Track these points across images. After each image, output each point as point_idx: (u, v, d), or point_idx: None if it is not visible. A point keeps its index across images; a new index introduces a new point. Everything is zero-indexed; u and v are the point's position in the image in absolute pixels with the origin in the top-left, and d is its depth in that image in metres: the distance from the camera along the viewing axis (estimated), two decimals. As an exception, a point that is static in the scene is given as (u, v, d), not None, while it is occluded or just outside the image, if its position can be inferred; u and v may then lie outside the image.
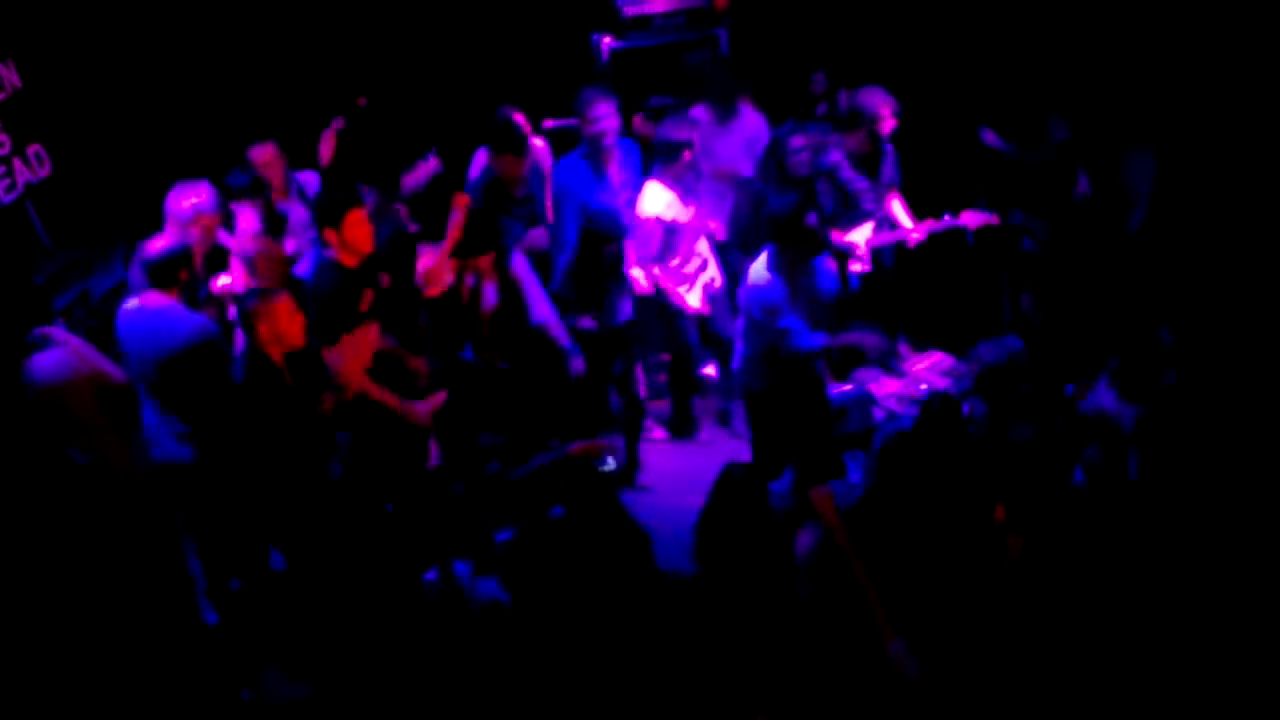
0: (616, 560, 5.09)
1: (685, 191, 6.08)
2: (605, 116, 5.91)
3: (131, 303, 4.87)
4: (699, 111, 6.64)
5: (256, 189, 5.76)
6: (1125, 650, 4.15)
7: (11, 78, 6.01)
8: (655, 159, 6.10)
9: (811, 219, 5.15)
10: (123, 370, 4.77)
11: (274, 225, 5.77)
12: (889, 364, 6.78)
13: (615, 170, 6.10)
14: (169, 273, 4.75)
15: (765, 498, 4.75)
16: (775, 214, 5.18)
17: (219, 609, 5.18)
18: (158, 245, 4.79)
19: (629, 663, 4.54)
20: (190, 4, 7.01)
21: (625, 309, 6.06)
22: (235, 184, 5.69)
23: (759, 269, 5.25)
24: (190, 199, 5.17)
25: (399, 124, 7.06)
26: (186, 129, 6.85)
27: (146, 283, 4.80)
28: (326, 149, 5.84)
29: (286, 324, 4.61)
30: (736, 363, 5.58)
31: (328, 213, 4.94)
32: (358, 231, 4.94)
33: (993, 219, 6.22)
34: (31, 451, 4.35)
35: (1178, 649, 4.05)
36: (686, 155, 5.99)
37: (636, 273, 6.00)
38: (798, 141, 6.14)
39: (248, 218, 5.70)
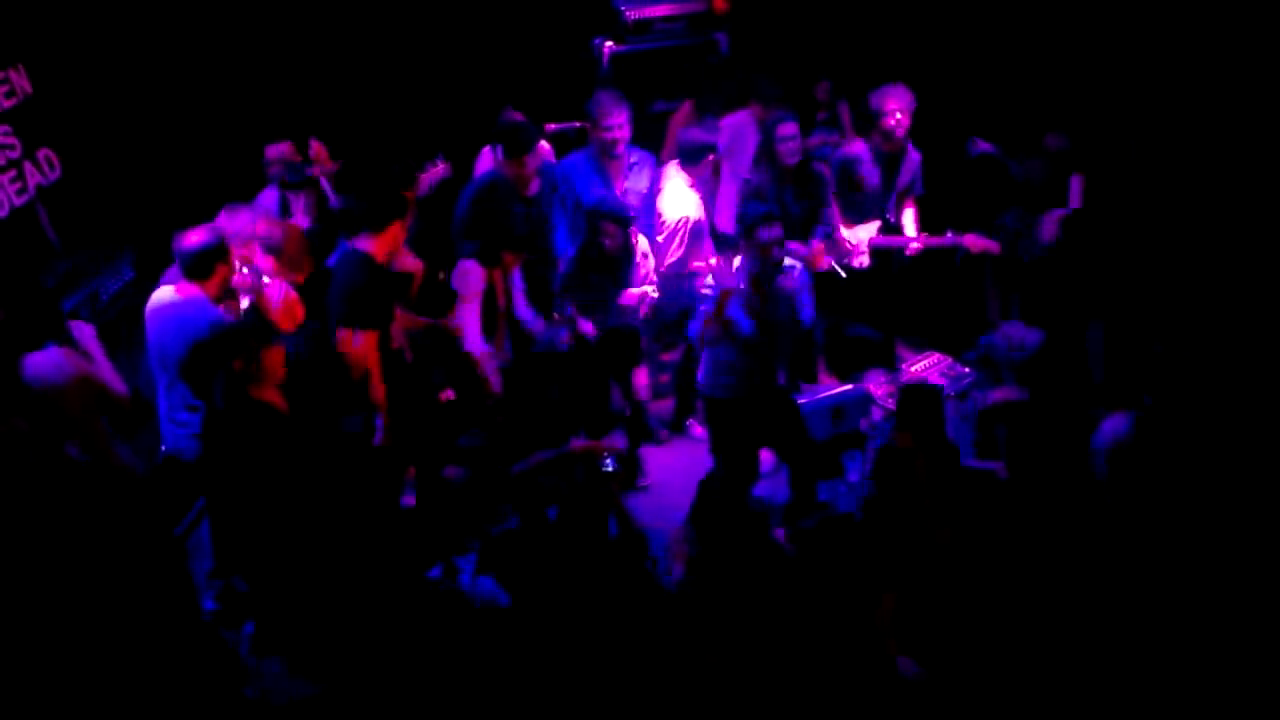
0: (611, 560, 5.16)
1: (705, 194, 6.18)
2: (619, 126, 5.96)
3: (164, 290, 4.90)
4: (741, 115, 6.71)
5: (310, 181, 5.88)
6: (1121, 648, 4.19)
7: (22, 83, 6.07)
8: (678, 157, 6.19)
9: (763, 234, 5.20)
10: (128, 382, 4.80)
11: (325, 216, 5.88)
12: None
13: (621, 178, 6.15)
14: (203, 265, 4.78)
15: (744, 505, 4.83)
16: (743, 218, 5.30)
17: (222, 607, 5.25)
18: (194, 238, 4.79)
19: (624, 660, 4.60)
20: (198, 9, 7.06)
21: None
22: (292, 179, 5.83)
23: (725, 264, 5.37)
24: (246, 218, 5.21)
25: (406, 128, 7.13)
26: (194, 133, 6.91)
27: (180, 273, 4.83)
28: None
29: (271, 370, 4.64)
30: (701, 370, 5.57)
31: (377, 216, 5.01)
32: (399, 235, 5.07)
33: (993, 246, 6.28)
34: (29, 449, 4.34)
35: (1173, 649, 4.08)
36: (710, 158, 6.06)
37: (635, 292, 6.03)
38: (787, 129, 6.23)
39: (301, 212, 5.84)
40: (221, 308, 4.93)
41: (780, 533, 5.07)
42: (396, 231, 5.04)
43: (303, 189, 5.91)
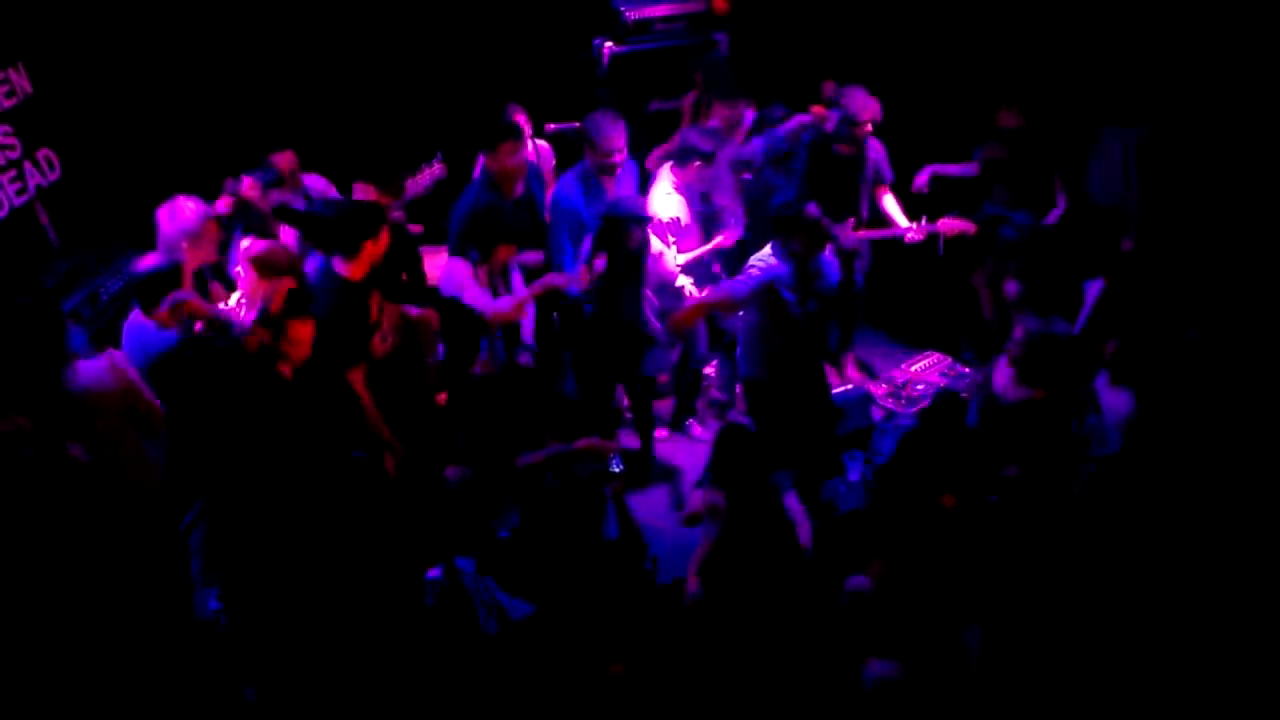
0: (612, 558, 5.16)
1: (689, 195, 6.20)
2: (620, 150, 5.94)
3: (133, 317, 4.91)
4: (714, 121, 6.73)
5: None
6: (1117, 645, 4.19)
7: (22, 83, 6.07)
8: (671, 158, 6.22)
9: (812, 210, 5.24)
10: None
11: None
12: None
13: (615, 188, 6.16)
14: (148, 294, 4.76)
15: (765, 462, 4.84)
16: (777, 208, 5.30)
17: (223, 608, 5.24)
18: (142, 265, 4.81)
19: (623, 659, 4.61)
20: (198, 10, 7.07)
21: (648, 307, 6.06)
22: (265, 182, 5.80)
23: (763, 254, 5.42)
24: (192, 211, 5.07)
25: (406, 129, 7.13)
26: (193, 133, 6.91)
27: (134, 301, 4.83)
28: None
29: (301, 342, 4.66)
30: (740, 352, 5.68)
31: (348, 239, 4.98)
32: (377, 252, 5.04)
33: (969, 227, 6.29)
34: (30, 448, 4.32)
35: (1168, 648, 4.09)
36: (697, 164, 6.08)
37: (684, 281, 6.10)
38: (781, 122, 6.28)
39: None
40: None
41: (791, 496, 5.03)
42: (370, 251, 4.99)
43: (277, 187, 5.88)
